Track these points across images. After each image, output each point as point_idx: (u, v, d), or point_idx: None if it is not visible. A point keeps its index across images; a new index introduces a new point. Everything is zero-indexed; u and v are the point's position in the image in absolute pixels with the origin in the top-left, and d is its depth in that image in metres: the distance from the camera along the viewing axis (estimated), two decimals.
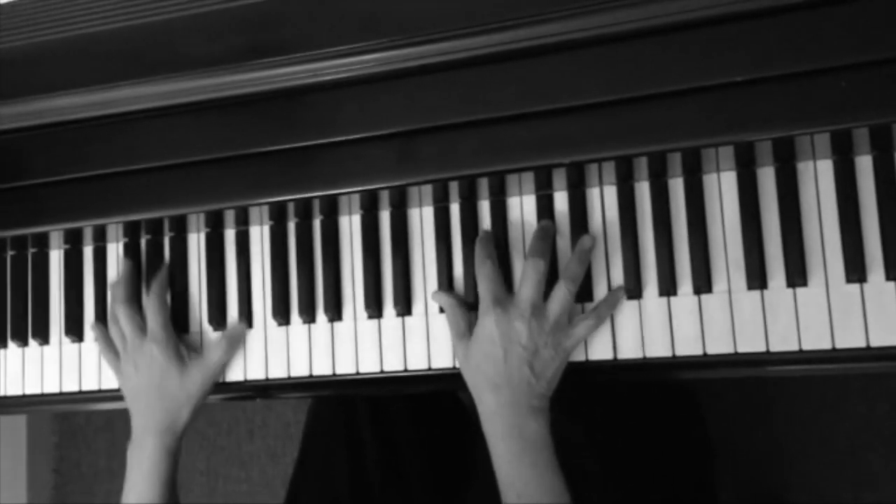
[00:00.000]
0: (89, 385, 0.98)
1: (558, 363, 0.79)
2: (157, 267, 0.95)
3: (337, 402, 1.05)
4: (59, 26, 0.79)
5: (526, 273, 0.80)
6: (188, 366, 0.90)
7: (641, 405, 0.99)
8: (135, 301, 0.93)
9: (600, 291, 0.83)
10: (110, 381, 0.97)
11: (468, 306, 0.85)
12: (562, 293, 0.79)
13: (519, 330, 0.78)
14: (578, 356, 0.83)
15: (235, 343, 0.91)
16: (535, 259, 0.80)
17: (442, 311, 0.87)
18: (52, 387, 0.99)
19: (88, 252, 0.98)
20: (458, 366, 0.84)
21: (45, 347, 1.00)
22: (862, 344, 0.75)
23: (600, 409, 0.97)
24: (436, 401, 1.09)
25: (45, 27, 0.80)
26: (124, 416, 0.95)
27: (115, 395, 0.97)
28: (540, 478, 0.76)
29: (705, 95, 0.68)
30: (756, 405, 1.46)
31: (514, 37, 0.69)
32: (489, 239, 0.84)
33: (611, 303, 0.81)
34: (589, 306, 0.83)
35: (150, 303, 0.92)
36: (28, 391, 1.00)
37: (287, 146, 0.77)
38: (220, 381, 0.93)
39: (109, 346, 0.94)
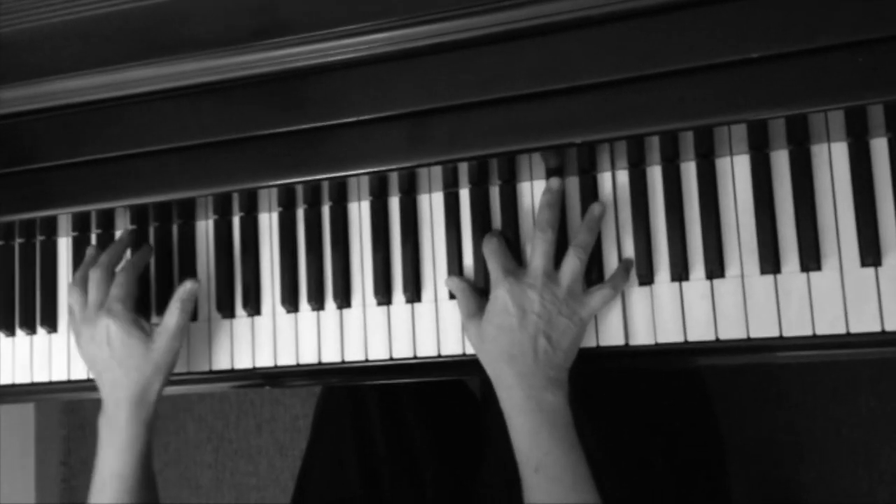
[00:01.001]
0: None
1: (574, 332, 0.78)
2: (165, 255, 0.95)
3: (346, 391, 1.05)
4: (66, 8, 0.78)
5: (536, 243, 0.80)
6: (151, 337, 0.88)
7: (649, 398, 0.98)
8: (111, 270, 0.91)
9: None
10: None
11: (479, 291, 0.85)
12: (572, 261, 0.79)
13: (532, 298, 0.77)
14: (590, 342, 0.82)
15: (188, 301, 0.89)
16: (545, 229, 0.80)
17: (452, 297, 0.86)
18: (60, 374, 0.99)
19: (96, 239, 0.98)
20: (469, 349, 0.84)
21: (54, 335, 0.99)
22: (877, 328, 0.75)
23: (607, 401, 0.96)
24: (444, 388, 1.09)
25: (51, 9, 0.79)
26: None
27: None
28: (559, 449, 0.75)
29: (720, 73, 0.67)
30: (767, 399, 1.45)
31: (525, 14, 0.69)
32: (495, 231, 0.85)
33: (624, 272, 0.81)
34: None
35: (119, 274, 0.89)
36: (36, 379, 1.00)
37: (296, 128, 0.77)
38: (230, 368, 0.93)
39: (79, 293, 0.91)
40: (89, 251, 0.94)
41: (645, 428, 0.96)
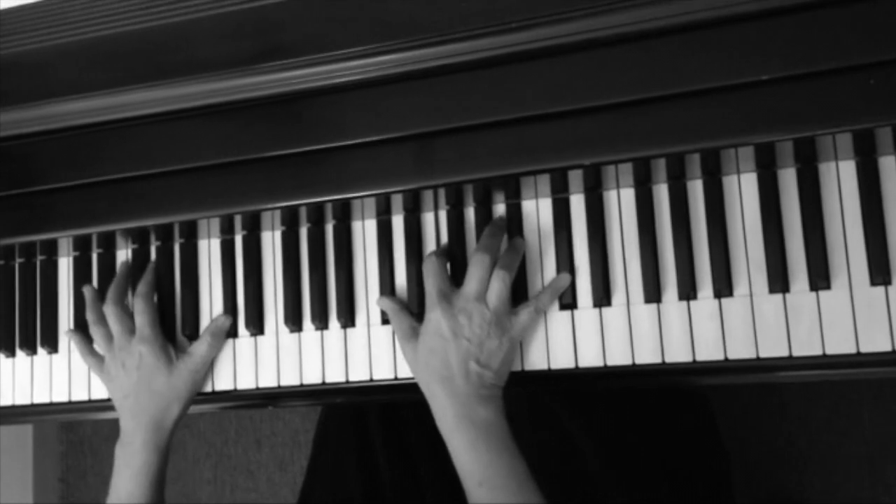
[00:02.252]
0: (99, 394, 0.97)
1: (504, 352, 0.80)
2: (167, 274, 0.94)
3: (347, 407, 1.04)
4: (69, 30, 0.78)
5: (472, 267, 0.81)
6: (175, 364, 0.90)
7: (651, 413, 0.98)
8: (123, 302, 0.93)
9: (619, 297, 0.81)
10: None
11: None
12: (497, 284, 0.80)
13: (462, 323, 0.79)
14: (596, 362, 0.82)
15: (219, 336, 0.91)
16: (482, 254, 0.81)
17: None
18: (60, 396, 0.98)
19: (97, 259, 0.97)
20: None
21: (54, 356, 0.98)
22: (888, 348, 0.74)
23: (609, 417, 0.95)
24: None
25: (54, 31, 0.79)
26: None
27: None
28: (500, 459, 0.76)
29: (730, 95, 0.66)
30: (770, 413, 1.44)
31: (532, 36, 0.68)
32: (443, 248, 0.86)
33: (554, 288, 0.82)
34: (608, 310, 0.81)
35: (137, 303, 0.92)
36: (37, 400, 0.99)
37: (301, 149, 0.76)
38: (233, 388, 0.92)
39: (90, 350, 0.94)
40: (88, 292, 0.95)
41: (649, 444, 0.96)
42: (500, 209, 0.85)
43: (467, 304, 0.79)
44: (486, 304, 0.80)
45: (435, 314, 0.80)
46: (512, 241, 0.84)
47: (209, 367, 0.92)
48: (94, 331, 0.93)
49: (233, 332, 0.92)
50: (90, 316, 0.94)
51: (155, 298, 0.94)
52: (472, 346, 0.79)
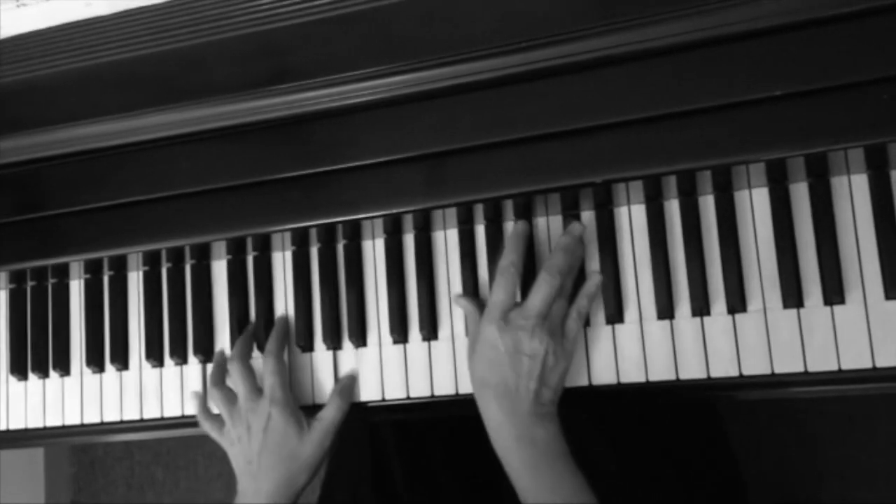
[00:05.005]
0: (111, 416, 0.97)
1: (562, 368, 0.79)
2: (178, 295, 0.94)
3: (362, 424, 1.04)
4: (80, 55, 0.78)
5: (539, 284, 0.79)
6: (306, 428, 0.85)
7: (663, 428, 0.97)
8: (248, 360, 0.90)
9: (631, 314, 0.81)
10: (132, 412, 0.96)
11: None
12: (560, 304, 0.79)
13: (522, 340, 0.77)
14: (609, 379, 0.81)
15: (348, 396, 0.87)
16: (553, 273, 0.78)
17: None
18: (73, 418, 0.98)
19: (108, 281, 0.97)
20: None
21: (66, 378, 0.98)
22: None
23: (622, 433, 0.95)
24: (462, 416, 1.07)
25: (65, 57, 0.79)
26: (143, 445, 0.94)
27: (136, 426, 0.96)
28: (561, 482, 0.75)
29: (743, 111, 0.66)
30: (784, 427, 1.43)
31: (543, 55, 0.68)
32: (521, 236, 0.82)
33: (589, 291, 0.81)
34: (621, 327, 0.81)
35: (268, 362, 0.87)
36: (49, 423, 0.99)
37: (312, 171, 0.76)
38: None
39: (208, 413, 0.91)
40: (218, 357, 0.92)
41: (661, 460, 0.95)
42: (510, 226, 0.85)
43: (529, 321, 0.77)
44: (549, 321, 0.78)
45: (492, 327, 0.78)
46: (562, 238, 0.81)
47: (337, 430, 0.87)
48: (214, 393, 0.89)
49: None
50: (213, 377, 0.90)
51: (166, 323, 0.93)
52: (533, 364, 0.77)
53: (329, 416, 0.86)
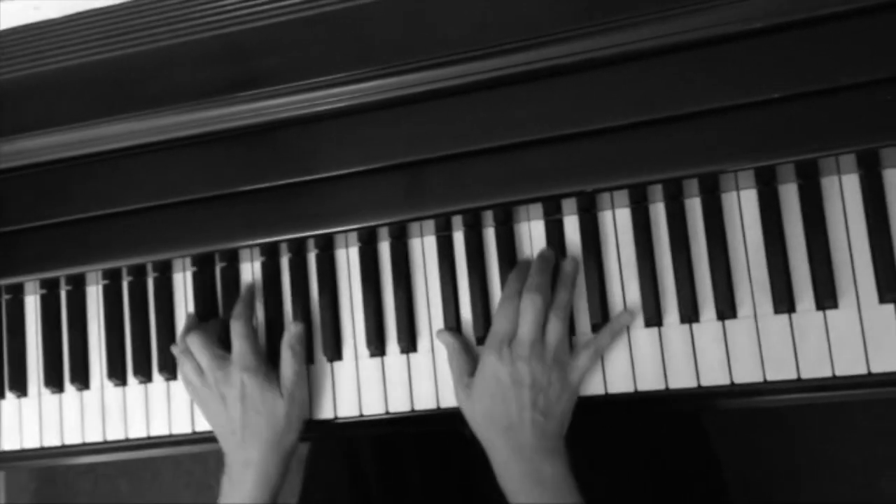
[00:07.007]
0: (72, 438, 0.92)
1: (566, 399, 0.76)
2: (141, 310, 0.89)
3: (338, 442, 1.00)
4: (31, 61, 0.73)
5: (525, 310, 0.76)
6: (278, 386, 0.82)
7: (643, 430, 0.95)
8: (211, 331, 0.85)
9: None
10: (94, 433, 0.91)
11: (476, 340, 0.81)
12: (553, 326, 0.76)
13: (521, 371, 0.74)
14: (597, 390, 0.79)
15: (298, 346, 0.83)
16: (534, 294, 0.76)
17: None
18: (31, 442, 0.93)
19: (66, 297, 0.92)
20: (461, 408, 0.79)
21: (24, 399, 0.93)
22: None
23: (604, 437, 0.93)
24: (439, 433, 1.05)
25: (11, 63, 0.74)
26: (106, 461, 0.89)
27: (98, 447, 0.92)
28: None
29: (735, 115, 0.63)
30: (763, 416, 1.42)
31: (522, 59, 0.65)
32: (525, 270, 0.79)
33: (614, 329, 0.78)
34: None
35: (235, 325, 0.83)
36: (6, 447, 0.94)
37: (281, 182, 0.72)
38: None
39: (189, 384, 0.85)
40: (189, 321, 0.88)
41: (636, 455, 0.93)
42: (489, 232, 0.82)
43: (524, 350, 0.75)
44: (546, 348, 0.75)
45: (492, 359, 0.76)
46: (562, 276, 0.79)
47: (305, 379, 0.84)
48: (184, 367, 0.84)
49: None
50: (177, 348, 0.86)
51: (128, 335, 0.89)
52: (533, 394, 0.74)
53: (288, 374, 0.82)
